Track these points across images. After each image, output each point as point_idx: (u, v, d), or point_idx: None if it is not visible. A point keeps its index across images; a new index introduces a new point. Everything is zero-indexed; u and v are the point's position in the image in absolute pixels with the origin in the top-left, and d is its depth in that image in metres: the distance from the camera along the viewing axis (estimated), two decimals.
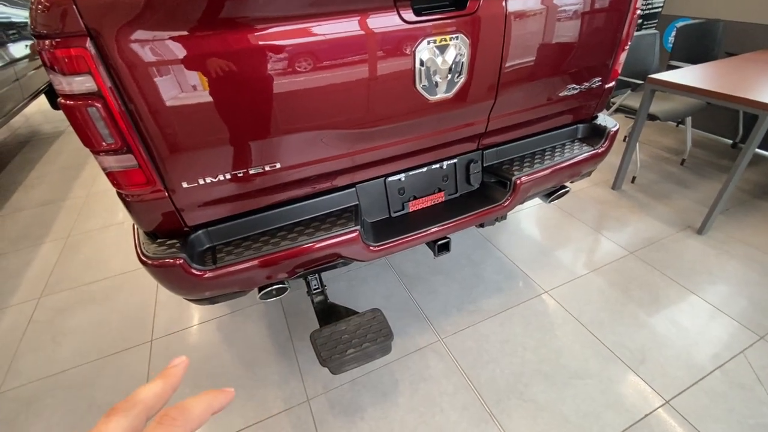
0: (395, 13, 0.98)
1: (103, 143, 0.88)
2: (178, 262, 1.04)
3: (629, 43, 1.46)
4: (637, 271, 1.99)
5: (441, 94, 1.14)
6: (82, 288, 2.09)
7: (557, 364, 1.57)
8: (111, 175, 0.96)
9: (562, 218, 2.38)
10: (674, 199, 2.51)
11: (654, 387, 1.48)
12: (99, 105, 0.83)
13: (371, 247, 1.27)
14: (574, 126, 1.64)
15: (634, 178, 2.70)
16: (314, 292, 1.54)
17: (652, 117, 2.45)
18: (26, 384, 1.62)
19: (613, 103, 2.76)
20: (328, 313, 1.49)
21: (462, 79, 1.14)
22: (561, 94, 1.42)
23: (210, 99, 0.90)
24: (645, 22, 3.40)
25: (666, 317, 1.73)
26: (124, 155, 0.91)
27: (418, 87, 1.10)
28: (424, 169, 1.40)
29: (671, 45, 3.27)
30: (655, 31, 2.79)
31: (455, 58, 1.09)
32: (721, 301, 1.80)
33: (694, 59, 2.85)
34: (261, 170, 1.06)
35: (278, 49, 0.91)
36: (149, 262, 1.04)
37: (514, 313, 1.79)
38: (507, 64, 1.20)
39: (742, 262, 2.01)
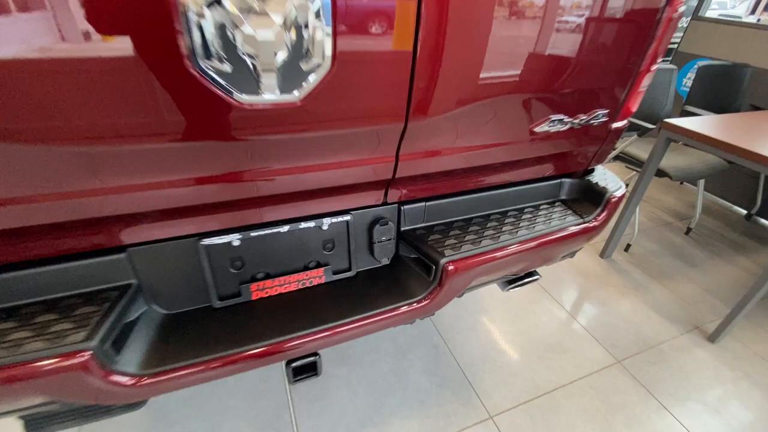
0: None
1: None
2: None
3: (654, 66, 0.88)
4: (624, 393, 1.38)
5: (270, 95, 0.53)
6: None
7: None
8: None
9: (532, 293, 1.78)
10: (678, 282, 1.94)
11: None
12: None
13: (133, 381, 0.63)
14: (557, 180, 1.06)
15: (628, 246, 2.13)
16: None
17: (661, 173, 1.90)
18: None
19: (614, 148, 2.20)
20: None
21: (323, 70, 0.53)
22: (538, 129, 0.82)
23: None
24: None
25: None
26: None
27: (203, 65, 0.48)
28: (284, 229, 0.78)
29: (686, 88, 2.77)
30: (673, 66, 2.26)
31: (292, 13, 0.47)
32: None
33: (713, 107, 2.33)
34: None
35: None
36: None
37: None
38: (428, 50, 0.60)
39: None
